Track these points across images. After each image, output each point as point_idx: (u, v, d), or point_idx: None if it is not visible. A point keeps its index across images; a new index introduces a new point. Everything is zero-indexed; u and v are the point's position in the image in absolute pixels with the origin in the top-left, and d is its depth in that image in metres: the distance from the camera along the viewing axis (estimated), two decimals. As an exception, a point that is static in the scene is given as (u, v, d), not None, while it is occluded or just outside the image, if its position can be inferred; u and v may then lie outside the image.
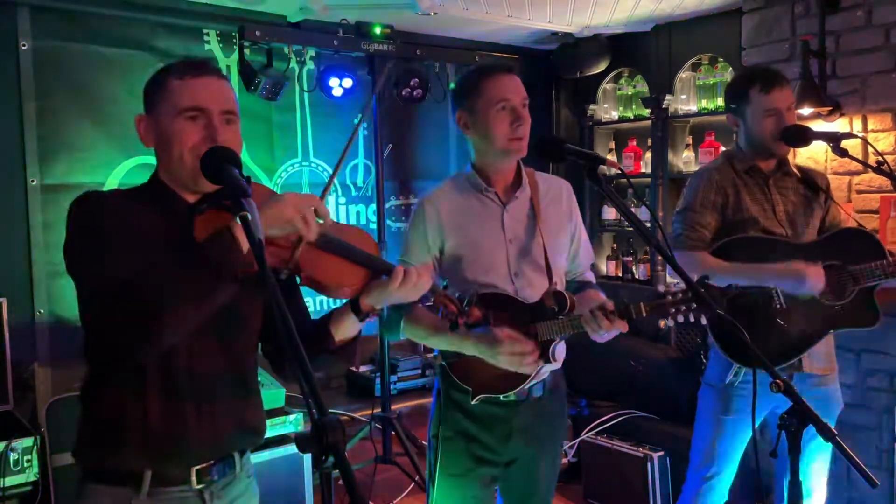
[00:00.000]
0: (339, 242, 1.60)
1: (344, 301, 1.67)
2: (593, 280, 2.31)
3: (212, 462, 1.58)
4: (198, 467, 1.56)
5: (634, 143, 4.61)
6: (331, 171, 4.37)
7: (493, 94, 2.04)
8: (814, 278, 2.32)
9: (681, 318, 1.90)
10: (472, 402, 2.08)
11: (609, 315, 1.91)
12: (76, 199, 1.49)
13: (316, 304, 4.22)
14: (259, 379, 1.76)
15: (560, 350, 2.08)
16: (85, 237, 1.46)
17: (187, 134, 1.50)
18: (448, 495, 2.15)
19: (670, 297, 1.91)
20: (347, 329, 1.66)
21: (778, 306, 2.42)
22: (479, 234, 2.11)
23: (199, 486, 1.57)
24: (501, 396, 2.08)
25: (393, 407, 3.99)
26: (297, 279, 1.59)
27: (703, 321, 1.91)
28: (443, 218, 2.10)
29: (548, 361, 2.02)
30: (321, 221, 1.52)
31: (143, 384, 1.49)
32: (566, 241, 2.21)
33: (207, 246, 1.38)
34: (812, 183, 2.58)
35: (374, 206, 4.27)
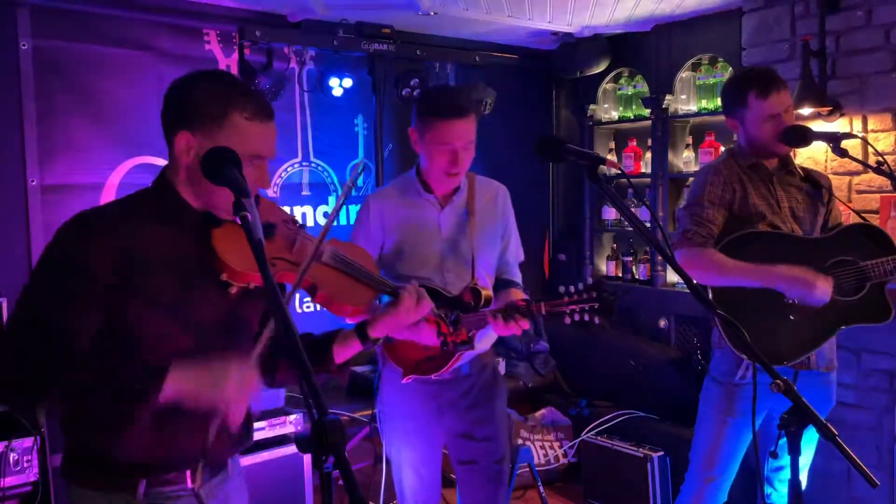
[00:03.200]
0: (352, 263, 1.65)
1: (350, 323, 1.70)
2: (518, 279, 2.46)
3: (205, 462, 1.59)
4: (192, 469, 1.57)
5: (634, 143, 4.60)
6: (330, 172, 4.37)
7: (438, 137, 2.21)
8: (822, 291, 2.31)
9: (577, 318, 2.01)
10: (403, 382, 2.27)
11: (507, 316, 2.07)
12: (65, 225, 1.46)
13: (317, 305, 4.21)
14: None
15: (480, 337, 2.22)
16: (48, 282, 1.44)
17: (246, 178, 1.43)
18: (396, 466, 2.42)
19: (567, 298, 2.03)
20: (349, 352, 1.71)
21: (789, 301, 2.41)
22: (417, 233, 2.32)
23: (194, 486, 1.58)
24: (433, 376, 2.26)
25: (393, 407, 3.98)
26: (311, 295, 1.62)
27: (597, 321, 2.01)
28: (385, 217, 2.32)
29: (471, 348, 2.17)
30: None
31: (134, 398, 1.46)
32: (497, 240, 2.40)
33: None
34: (815, 182, 2.58)
35: (374, 206, 4.26)
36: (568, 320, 2.02)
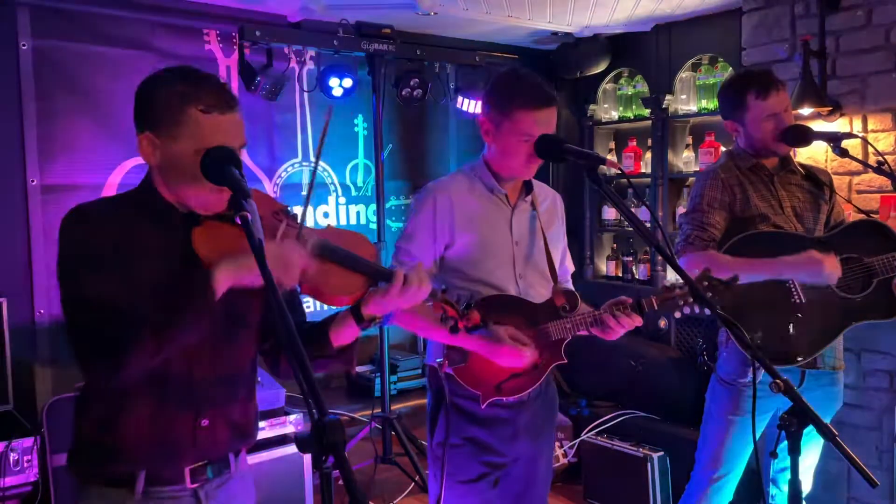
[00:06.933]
0: (340, 251, 1.60)
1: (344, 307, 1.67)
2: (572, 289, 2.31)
3: (206, 462, 1.59)
4: (192, 467, 1.57)
5: (634, 143, 4.60)
6: (331, 172, 4.37)
7: (521, 127, 2.03)
8: (830, 267, 2.30)
9: (687, 311, 2.00)
10: (483, 408, 2.05)
11: (627, 311, 1.97)
12: (66, 217, 1.48)
13: (316, 304, 4.21)
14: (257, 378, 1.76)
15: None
16: (77, 261, 1.46)
17: None
18: (458, 502, 2.12)
19: (679, 290, 1.99)
20: (347, 335, 1.66)
21: (797, 301, 2.40)
22: (489, 235, 2.10)
23: (194, 486, 1.57)
24: (514, 398, 2.08)
25: (393, 407, 3.98)
26: (298, 287, 1.60)
27: (697, 310, 2.02)
28: (455, 213, 2.07)
29: (561, 360, 2.05)
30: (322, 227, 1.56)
31: (136, 389, 1.49)
32: (559, 245, 2.26)
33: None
34: (816, 179, 2.58)
35: (374, 206, 4.26)
36: (678, 314, 2.02)
